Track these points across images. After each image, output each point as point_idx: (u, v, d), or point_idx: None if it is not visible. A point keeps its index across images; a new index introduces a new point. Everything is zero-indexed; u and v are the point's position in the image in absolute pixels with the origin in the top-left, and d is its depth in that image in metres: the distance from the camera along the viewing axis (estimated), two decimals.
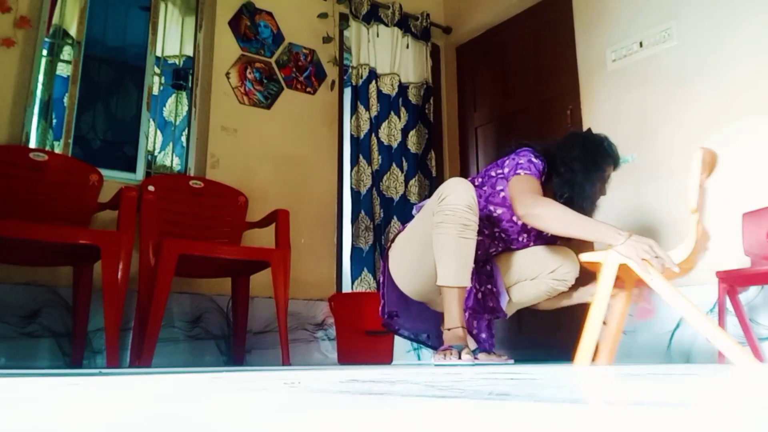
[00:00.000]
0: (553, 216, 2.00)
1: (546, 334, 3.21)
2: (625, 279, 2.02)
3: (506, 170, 2.19)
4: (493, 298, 2.27)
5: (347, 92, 3.82)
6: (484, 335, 2.31)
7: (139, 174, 3.16)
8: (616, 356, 2.88)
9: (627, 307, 2.14)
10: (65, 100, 3.03)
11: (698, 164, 1.90)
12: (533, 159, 2.17)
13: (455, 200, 1.99)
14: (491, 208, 2.22)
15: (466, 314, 2.19)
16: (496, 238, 2.28)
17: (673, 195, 2.85)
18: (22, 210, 2.46)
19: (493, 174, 2.23)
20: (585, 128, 3.28)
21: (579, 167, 2.19)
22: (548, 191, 2.19)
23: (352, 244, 3.49)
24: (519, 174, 2.13)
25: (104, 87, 4.33)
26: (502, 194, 2.19)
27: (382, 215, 3.55)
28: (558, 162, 2.21)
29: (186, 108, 3.69)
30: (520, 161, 2.16)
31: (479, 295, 2.28)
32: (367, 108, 3.63)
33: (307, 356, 3.23)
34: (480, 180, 2.26)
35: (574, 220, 1.98)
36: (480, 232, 2.11)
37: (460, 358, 1.88)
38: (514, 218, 2.20)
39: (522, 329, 3.42)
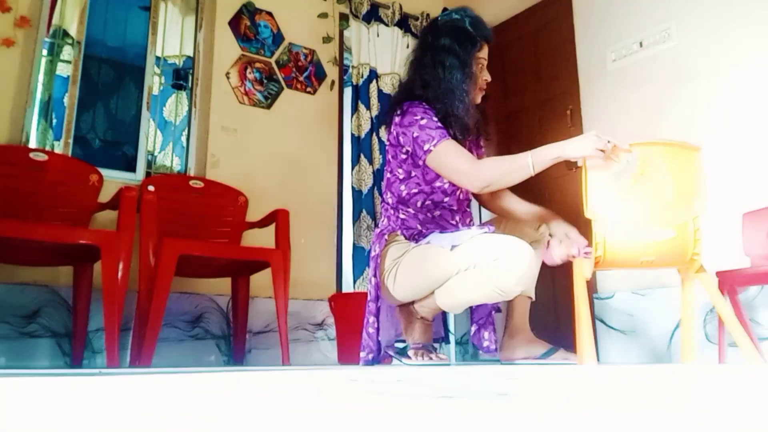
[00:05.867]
0: (497, 173, 1.85)
1: (547, 333, 3.21)
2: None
3: (409, 149, 1.97)
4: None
5: (347, 92, 3.82)
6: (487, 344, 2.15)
7: (139, 174, 3.16)
8: (617, 356, 2.89)
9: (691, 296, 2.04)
10: (65, 100, 3.03)
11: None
12: (421, 120, 1.93)
13: (514, 287, 1.80)
14: (438, 184, 2.03)
15: (474, 326, 2.16)
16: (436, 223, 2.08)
17: None
18: (22, 210, 2.46)
19: (403, 156, 2.02)
20: (585, 127, 3.30)
21: (444, 72, 1.97)
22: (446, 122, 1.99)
23: (354, 244, 3.50)
24: (430, 151, 1.92)
25: (104, 87, 4.33)
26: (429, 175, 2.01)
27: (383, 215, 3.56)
28: (431, 84, 1.99)
29: (186, 108, 3.70)
30: (415, 134, 1.94)
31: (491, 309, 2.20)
32: (368, 107, 3.64)
33: (307, 356, 3.23)
34: (402, 170, 2.04)
35: (517, 163, 1.84)
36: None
37: (431, 358, 1.91)
38: (453, 186, 2.02)
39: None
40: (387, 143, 2.11)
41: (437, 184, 2.03)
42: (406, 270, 1.99)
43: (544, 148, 1.84)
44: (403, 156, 2.03)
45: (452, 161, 1.91)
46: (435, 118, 1.96)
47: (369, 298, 2.06)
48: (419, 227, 2.06)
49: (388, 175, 2.11)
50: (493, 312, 2.17)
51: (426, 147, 1.93)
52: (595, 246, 1.83)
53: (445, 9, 2.20)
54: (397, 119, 2.01)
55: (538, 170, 1.84)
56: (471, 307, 2.11)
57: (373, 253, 2.08)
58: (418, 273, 1.97)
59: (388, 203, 2.12)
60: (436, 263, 1.91)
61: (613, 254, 1.85)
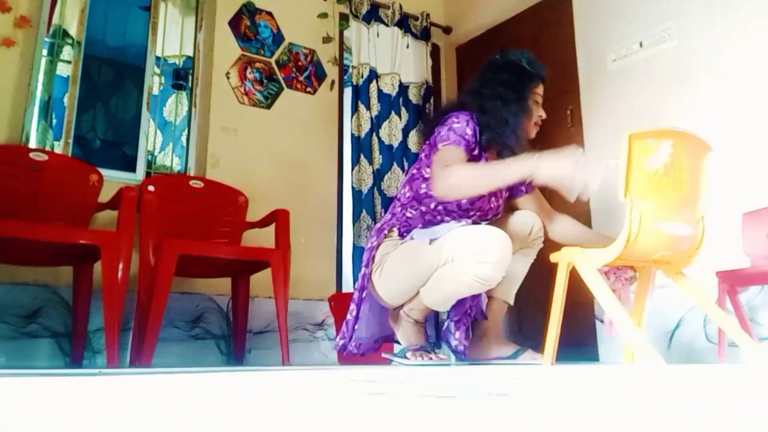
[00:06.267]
0: (464, 179, 1.86)
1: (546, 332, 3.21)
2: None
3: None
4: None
5: (347, 92, 3.82)
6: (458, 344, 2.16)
7: (139, 174, 3.16)
8: (617, 356, 2.89)
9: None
10: (65, 100, 3.03)
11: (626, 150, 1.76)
12: (455, 123, 2.01)
13: (493, 274, 1.82)
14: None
15: (446, 323, 2.17)
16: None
17: None
18: (22, 210, 2.46)
19: (422, 157, 2.10)
20: (585, 127, 3.30)
21: (501, 104, 2.06)
22: (492, 145, 2.07)
23: (354, 244, 3.50)
24: (438, 149, 1.98)
25: (104, 87, 4.33)
26: None
27: (383, 214, 3.55)
28: (485, 107, 2.07)
29: (186, 108, 3.70)
30: (441, 132, 2.01)
31: (467, 309, 2.21)
32: (368, 107, 3.64)
33: (307, 356, 3.23)
34: (429, 171, 2.06)
35: (485, 172, 1.87)
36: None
37: (431, 358, 1.93)
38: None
39: (522, 327, 3.42)
40: (425, 143, 2.16)
41: None
42: (392, 266, 2.03)
43: (514, 164, 1.82)
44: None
45: (436, 163, 1.94)
46: (470, 132, 2.01)
47: (356, 286, 2.10)
48: (420, 227, 2.07)
49: (414, 171, 2.15)
50: (472, 314, 2.17)
51: (438, 145, 1.98)
52: (629, 234, 1.72)
53: (502, 50, 2.30)
54: (445, 123, 2.06)
55: (502, 186, 1.95)
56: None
57: (368, 245, 2.11)
58: (402, 269, 2.00)
59: (400, 199, 2.15)
60: (418, 259, 1.96)
61: (636, 245, 1.74)
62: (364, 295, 2.08)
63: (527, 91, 2.13)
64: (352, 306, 2.08)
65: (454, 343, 2.11)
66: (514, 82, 2.11)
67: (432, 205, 2.07)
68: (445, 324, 2.15)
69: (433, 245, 1.93)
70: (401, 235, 2.08)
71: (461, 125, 2.00)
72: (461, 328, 2.12)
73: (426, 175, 2.08)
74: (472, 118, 2.04)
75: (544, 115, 2.19)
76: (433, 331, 2.29)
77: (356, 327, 2.07)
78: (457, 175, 1.87)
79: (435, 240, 1.94)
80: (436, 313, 2.25)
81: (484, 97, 2.10)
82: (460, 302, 2.09)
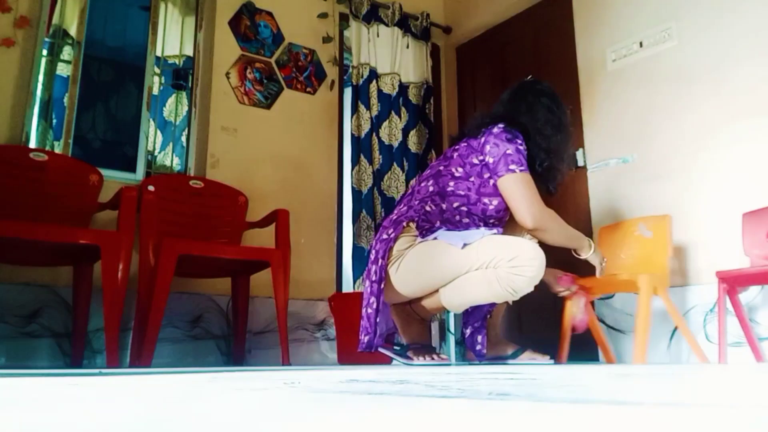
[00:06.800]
0: (557, 230, 2.03)
1: (547, 334, 3.21)
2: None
3: (490, 159, 2.05)
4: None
5: (347, 92, 3.82)
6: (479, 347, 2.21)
7: (139, 174, 3.16)
8: (617, 356, 2.89)
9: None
10: (65, 100, 3.03)
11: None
12: (519, 145, 2.06)
13: (526, 287, 1.88)
14: (485, 200, 2.09)
15: (469, 329, 2.18)
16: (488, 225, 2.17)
17: (673, 195, 2.85)
18: (22, 210, 2.46)
19: (475, 162, 2.09)
20: (585, 128, 3.30)
21: (551, 131, 2.15)
22: (545, 173, 2.17)
23: (354, 244, 3.50)
24: (515, 172, 2.02)
25: (104, 87, 4.33)
26: (491, 182, 2.07)
27: (383, 214, 3.56)
28: (530, 130, 2.13)
29: (186, 108, 3.70)
30: (509, 151, 2.03)
31: (486, 314, 2.21)
32: (368, 107, 3.64)
33: (307, 356, 3.23)
34: (462, 170, 2.10)
35: (566, 231, 2.08)
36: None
37: (433, 358, 1.95)
38: (498, 208, 2.11)
39: (523, 328, 3.42)
40: (464, 142, 2.16)
41: (485, 200, 2.08)
42: (411, 264, 2.01)
43: (585, 241, 2.14)
44: (475, 161, 2.08)
45: (527, 192, 2.03)
46: (524, 155, 2.09)
47: (373, 278, 2.06)
48: (438, 224, 2.07)
49: (441, 167, 2.15)
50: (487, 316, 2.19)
51: (512, 167, 2.02)
52: None
53: (532, 78, 2.40)
54: (495, 130, 2.08)
55: (576, 251, 2.18)
56: (467, 309, 2.12)
57: (385, 236, 2.09)
58: (424, 268, 1.99)
59: (420, 191, 2.15)
60: (446, 260, 1.94)
61: None
62: (382, 286, 2.07)
63: (566, 119, 2.22)
64: (372, 299, 2.05)
65: (478, 347, 2.13)
66: (555, 110, 2.19)
67: (455, 204, 2.08)
68: (468, 330, 2.16)
69: (465, 249, 1.93)
70: (420, 229, 2.07)
71: (521, 144, 2.08)
72: (482, 332, 2.15)
73: (457, 174, 2.10)
74: (519, 137, 2.10)
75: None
76: (458, 334, 2.31)
77: (378, 320, 2.05)
78: (552, 222, 2.05)
79: (468, 244, 1.94)
80: (463, 315, 2.24)
81: (531, 127, 2.14)
82: (479, 307, 2.10)
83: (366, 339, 2.04)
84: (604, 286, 2.63)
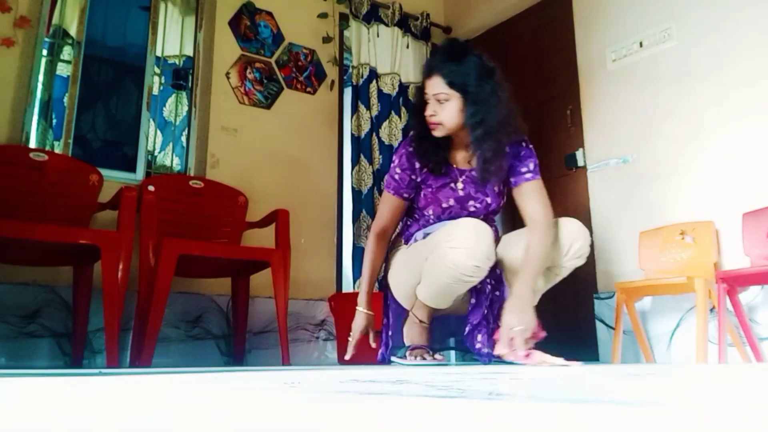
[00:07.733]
0: (550, 238, 1.99)
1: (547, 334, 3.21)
2: None
3: (532, 166, 2.11)
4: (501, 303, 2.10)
5: (347, 92, 3.82)
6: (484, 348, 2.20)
7: (139, 174, 3.15)
8: (617, 356, 2.89)
9: None
10: (65, 100, 3.02)
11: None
12: (533, 152, 2.13)
13: (465, 260, 1.84)
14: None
15: (467, 327, 2.17)
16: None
17: (673, 195, 2.85)
18: (22, 210, 2.46)
19: (523, 170, 2.11)
20: (585, 128, 3.30)
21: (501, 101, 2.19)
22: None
23: (354, 244, 3.50)
24: (539, 178, 2.08)
25: (104, 87, 4.33)
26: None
27: None
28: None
29: (186, 108, 3.69)
30: (536, 161, 2.11)
31: (485, 310, 2.18)
32: (368, 107, 3.64)
33: (307, 356, 3.23)
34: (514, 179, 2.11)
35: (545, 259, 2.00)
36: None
37: (424, 358, 1.99)
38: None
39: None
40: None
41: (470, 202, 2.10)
42: (396, 267, 2.11)
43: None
44: None
45: (544, 191, 2.06)
46: None
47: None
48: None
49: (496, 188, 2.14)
50: (492, 317, 2.17)
51: (538, 171, 2.08)
52: None
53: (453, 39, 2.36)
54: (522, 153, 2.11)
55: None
56: (469, 308, 2.11)
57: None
58: (402, 269, 2.09)
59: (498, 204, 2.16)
60: (414, 258, 2.02)
61: None
62: (389, 302, 2.18)
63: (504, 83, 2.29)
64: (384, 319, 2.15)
65: (477, 345, 2.11)
66: (500, 81, 2.33)
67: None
68: (466, 329, 2.15)
69: (426, 239, 1.99)
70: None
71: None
72: (482, 331, 2.12)
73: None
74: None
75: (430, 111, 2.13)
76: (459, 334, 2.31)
77: (390, 334, 2.14)
78: (553, 229, 2.00)
79: (428, 234, 2.00)
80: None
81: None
82: (476, 306, 2.09)
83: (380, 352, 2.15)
84: (657, 288, 2.65)
